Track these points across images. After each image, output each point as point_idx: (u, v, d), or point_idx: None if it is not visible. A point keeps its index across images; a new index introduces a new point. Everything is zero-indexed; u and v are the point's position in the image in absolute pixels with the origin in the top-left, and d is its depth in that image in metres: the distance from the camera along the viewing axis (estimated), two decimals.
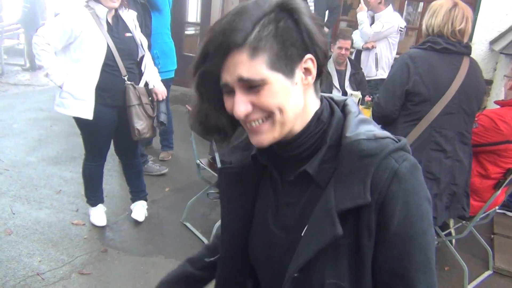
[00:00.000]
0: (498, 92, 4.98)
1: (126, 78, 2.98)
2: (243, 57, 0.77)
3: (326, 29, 5.47)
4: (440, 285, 2.90)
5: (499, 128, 2.75)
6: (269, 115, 0.82)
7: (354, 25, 6.09)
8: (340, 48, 4.33)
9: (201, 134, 0.92)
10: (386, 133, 0.85)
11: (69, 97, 2.90)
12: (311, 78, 0.84)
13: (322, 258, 0.83)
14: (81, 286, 2.71)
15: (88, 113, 2.91)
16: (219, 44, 0.78)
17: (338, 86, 4.36)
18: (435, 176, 2.46)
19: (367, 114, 3.18)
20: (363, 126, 0.86)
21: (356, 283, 0.83)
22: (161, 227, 3.43)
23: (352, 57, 5.19)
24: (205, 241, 3.25)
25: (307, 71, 0.83)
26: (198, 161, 3.37)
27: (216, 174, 3.16)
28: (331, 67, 4.39)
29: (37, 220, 3.34)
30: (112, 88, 2.97)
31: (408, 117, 2.51)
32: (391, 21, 4.80)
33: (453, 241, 3.20)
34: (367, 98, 4.00)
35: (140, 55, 3.11)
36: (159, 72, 3.36)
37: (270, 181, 0.97)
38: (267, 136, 0.84)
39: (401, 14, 5.75)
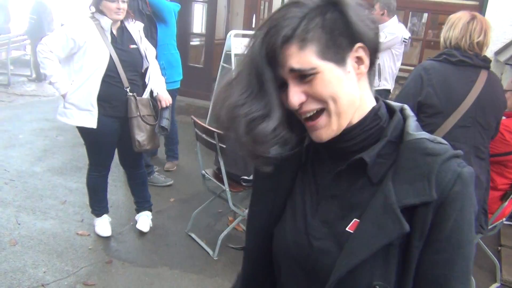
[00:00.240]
0: None
1: (128, 90, 3.00)
2: (292, 50, 0.79)
3: None
4: None
5: (505, 139, 2.73)
6: (323, 106, 0.82)
7: None
8: None
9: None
10: (444, 140, 0.85)
11: (72, 107, 2.92)
12: (364, 67, 0.84)
13: (373, 258, 0.80)
14: None
15: (91, 123, 2.92)
16: (273, 44, 0.80)
17: None
18: None
19: None
20: (422, 130, 0.86)
21: (399, 287, 0.81)
22: (166, 238, 3.43)
23: None
24: (210, 252, 3.23)
25: (359, 60, 0.83)
26: (204, 171, 3.36)
27: (221, 184, 3.15)
28: None
29: (42, 230, 3.34)
30: (114, 99, 2.98)
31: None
32: (394, 32, 4.81)
33: None
34: None
35: (144, 66, 3.13)
36: (166, 83, 3.37)
37: (311, 174, 0.95)
38: (325, 130, 0.84)
39: (406, 25, 5.77)
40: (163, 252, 3.24)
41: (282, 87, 0.84)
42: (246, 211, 3.25)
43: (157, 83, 3.22)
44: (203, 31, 7.87)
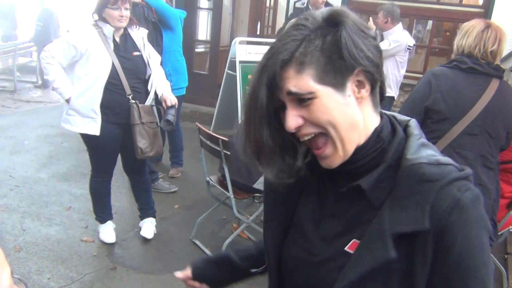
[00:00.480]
0: None
1: (130, 97, 3.00)
2: (290, 73, 0.79)
3: None
4: None
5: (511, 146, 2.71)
6: (322, 131, 0.82)
7: None
8: None
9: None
10: (449, 160, 0.82)
11: (75, 114, 2.94)
12: (365, 91, 0.83)
13: (371, 282, 0.80)
14: None
15: (95, 130, 2.94)
16: (273, 71, 0.80)
17: None
18: None
19: None
20: (425, 150, 0.83)
21: None
22: (170, 245, 3.42)
23: None
24: None
25: (360, 83, 0.82)
26: (208, 178, 3.36)
27: (225, 191, 3.15)
28: None
29: (46, 236, 3.35)
30: (116, 106, 2.99)
31: (428, 135, 2.44)
32: (399, 39, 4.81)
33: None
34: None
35: (147, 73, 3.14)
36: (172, 90, 3.37)
37: (316, 190, 0.95)
38: (333, 158, 0.84)
39: (410, 32, 5.77)
40: (167, 259, 3.23)
41: (283, 109, 0.83)
42: (251, 218, 3.25)
43: (161, 86, 3.21)
44: (208, 38, 7.90)
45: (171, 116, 3.11)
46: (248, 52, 5.25)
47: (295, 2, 6.75)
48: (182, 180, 4.60)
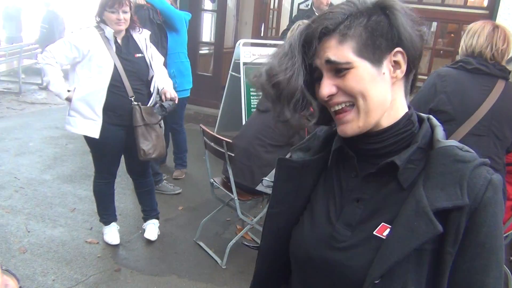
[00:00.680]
0: None
1: (133, 99, 3.01)
2: (332, 42, 0.84)
3: None
4: None
5: None
6: (352, 101, 0.85)
7: None
8: None
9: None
10: (471, 149, 0.86)
11: (76, 115, 2.95)
12: (400, 72, 0.86)
13: (405, 264, 0.80)
14: None
15: (95, 132, 2.94)
16: (313, 31, 0.85)
17: None
18: None
19: None
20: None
21: None
22: (174, 246, 3.42)
23: None
24: (218, 260, 3.22)
25: (396, 64, 0.86)
26: (212, 180, 3.36)
27: (229, 193, 3.15)
28: None
29: (51, 238, 3.36)
30: (119, 108, 3.00)
31: None
32: None
33: None
34: None
35: (150, 75, 3.14)
36: (176, 91, 3.36)
37: (336, 176, 0.96)
38: (351, 125, 0.86)
39: None
40: (172, 260, 3.24)
41: (318, 80, 0.87)
42: (255, 219, 3.25)
43: (163, 81, 3.16)
44: (212, 40, 7.92)
45: (167, 104, 3.05)
46: (252, 54, 5.25)
47: (299, 4, 6.76)
48: (186, 182, 4.60)
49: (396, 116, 0.89)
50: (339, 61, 0.83)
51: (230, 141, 2.99)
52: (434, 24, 6.60)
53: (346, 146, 0.93)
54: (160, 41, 3.91)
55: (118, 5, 2.86)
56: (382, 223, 0.85)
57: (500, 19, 5.31)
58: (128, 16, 2.93)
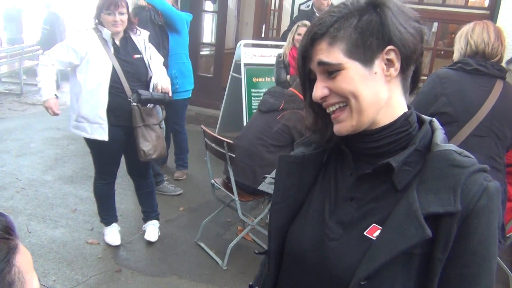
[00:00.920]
0: None
1: (131, 100, 3.01)
2: (323, 45, 0.86)
3: None
4: None
5: None
6: (345, 102, 0.87)
7: None
8: None
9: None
10: (470, 155, 0.86)
11: (84, 120, 2.95)
12: (394, 70, 0.86)
13: (393, 267, 0.80)
14: None
15: (103, 135, 2.95)
16: (306, 40, 0.88)
17: None
18: None
19: None
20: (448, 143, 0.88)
21: None
22: (175, 247, 3.42)
23: None
24: (219, 261, 3.22)
25: (390, 62, 0.85)
26: (213, 180, 3.36)
27: (230, 194, 3.15)
28: None
29: (52, 239, 3.36)
30: (118, 109, 2.99)
31: None
32: None
33: None
34: None
35: (149, 76, 3.14)
36: (177, 92, 3.36)
37: (333, 174, 0.97)
38: (345, 124, 0.88)
39: None
40: (172, 261, 3.24)
41: (314, 81, 0.90)
42: (256, 220, 3.25)
43: (158, 76, 3.12)
44: (213, 41, 7.92)
45: (148, 93, 2.97)
46: (253, 54, 5.26)
47: (300, 5, 6.77)
48: (187, 183, 4.61)
49: (394, 115, 0.88)
50: (330, 62, 0.85)
51: (231, 141, 2.99)
52: (435, 24, 6.60)
53: (344, 144, 0.94)
54: (161, 42, 3.91)
55: (114, 7, 2.87)
56: (373, 224, 0.85)
57: (501, 19, 5.30)
58: (124, 17, 2.93)
